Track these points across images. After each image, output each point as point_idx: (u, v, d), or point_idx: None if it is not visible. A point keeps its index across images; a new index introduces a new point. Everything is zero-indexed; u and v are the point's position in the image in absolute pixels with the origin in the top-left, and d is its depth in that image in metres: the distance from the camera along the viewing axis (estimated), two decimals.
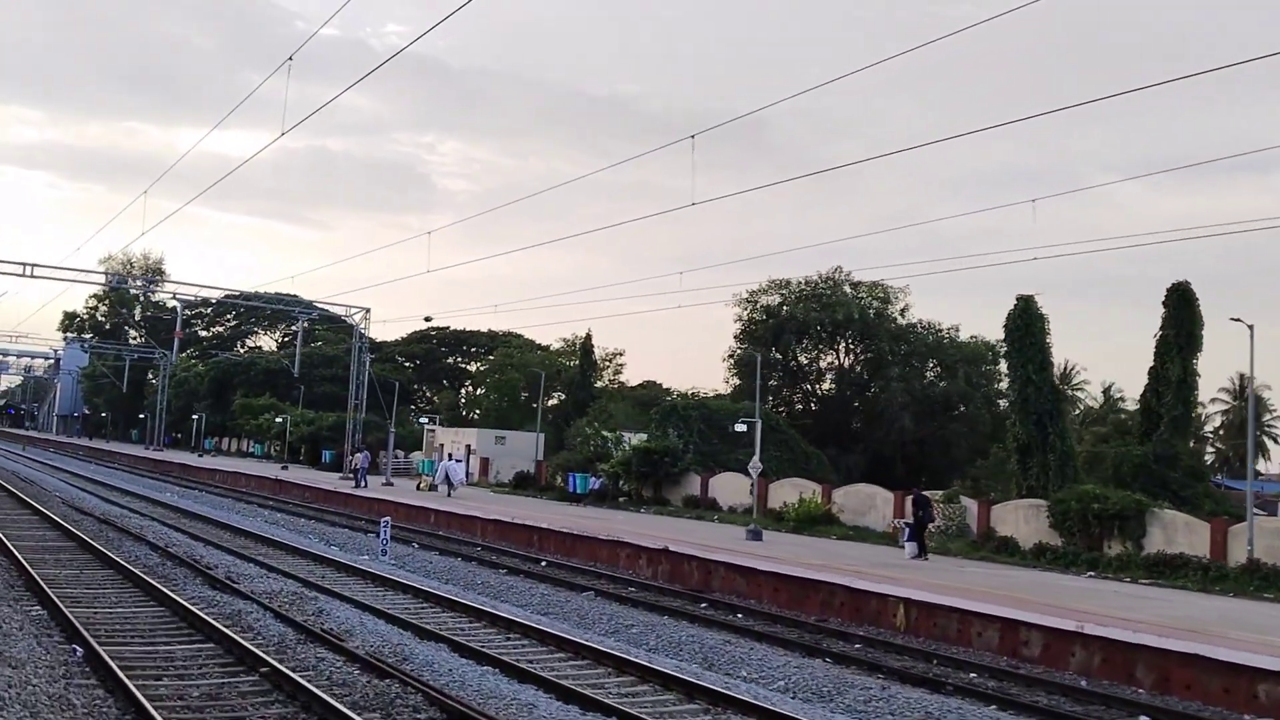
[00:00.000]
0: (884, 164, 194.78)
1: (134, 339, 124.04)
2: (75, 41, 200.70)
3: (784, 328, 50.92)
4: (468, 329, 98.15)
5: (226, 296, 47.08)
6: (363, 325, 51.08)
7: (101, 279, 45.03)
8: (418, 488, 45.50)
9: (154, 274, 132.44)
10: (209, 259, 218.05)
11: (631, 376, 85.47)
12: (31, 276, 44.80)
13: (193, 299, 46.48)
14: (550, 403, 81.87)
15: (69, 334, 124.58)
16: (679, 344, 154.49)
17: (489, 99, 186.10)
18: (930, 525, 27.01)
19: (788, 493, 36.33)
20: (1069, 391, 57.57)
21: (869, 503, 34.02)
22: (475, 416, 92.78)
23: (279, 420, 68.44)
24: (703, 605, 21.23)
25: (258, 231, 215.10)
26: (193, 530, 29.86)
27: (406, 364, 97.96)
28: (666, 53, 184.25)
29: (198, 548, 25.29)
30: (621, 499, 42.12)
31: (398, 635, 15.76)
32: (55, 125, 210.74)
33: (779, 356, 50.57)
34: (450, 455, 47.69)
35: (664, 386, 77.89)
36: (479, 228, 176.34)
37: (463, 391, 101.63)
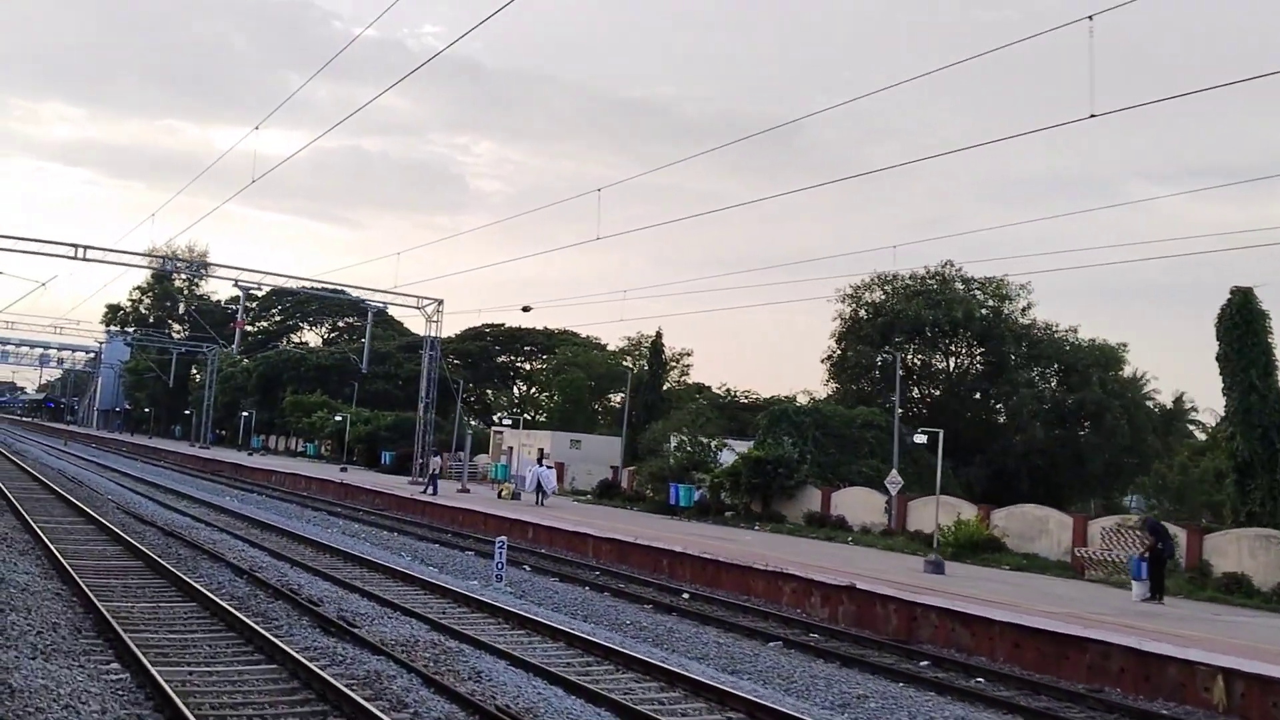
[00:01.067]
0: (921, 169, 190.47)
1: (178, 333, 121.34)
2: (115, 40, 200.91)
3: (894, 326, 46.52)
4: (522, 326, 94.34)
5: (289, 284, 43.14)
6: (434, 318, 47.26)
7: (156, 262, 41.06)
8: (499, 495, 41.55)
9: (201, 265, 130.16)
10: (249, 256, 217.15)
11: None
12: (84, 259, 41.31)
13: (255, 286, 42.58)
14: (609, 404, 77.96)
15: (112, 327, 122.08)
16: (714, 348, 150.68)
17: (524, 100, 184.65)
18: (1168, 560, 22.60)
19: (932, 512, 31.92)
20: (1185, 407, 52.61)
21: (1038, 526, 29.60)
22: (532, 418, 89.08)
23: (337, 419, 64.86)
24: (921, 663, 17.02)
25: (294, 230, 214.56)
26: (272, 546, 25.97)
27: (456, 362, 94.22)
28: (703, 55, 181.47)
29: (286, 570, 21.37)
30: (729, 514, 37.93)
31: (593, 714, 11.73)
32: (95, 123, 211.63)
33: (889, 355, 46.14)
34: (541, 460, 43.70)
35: (727, 390, 73.41)
36: (514, 227, 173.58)
37: (514, 390, 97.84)
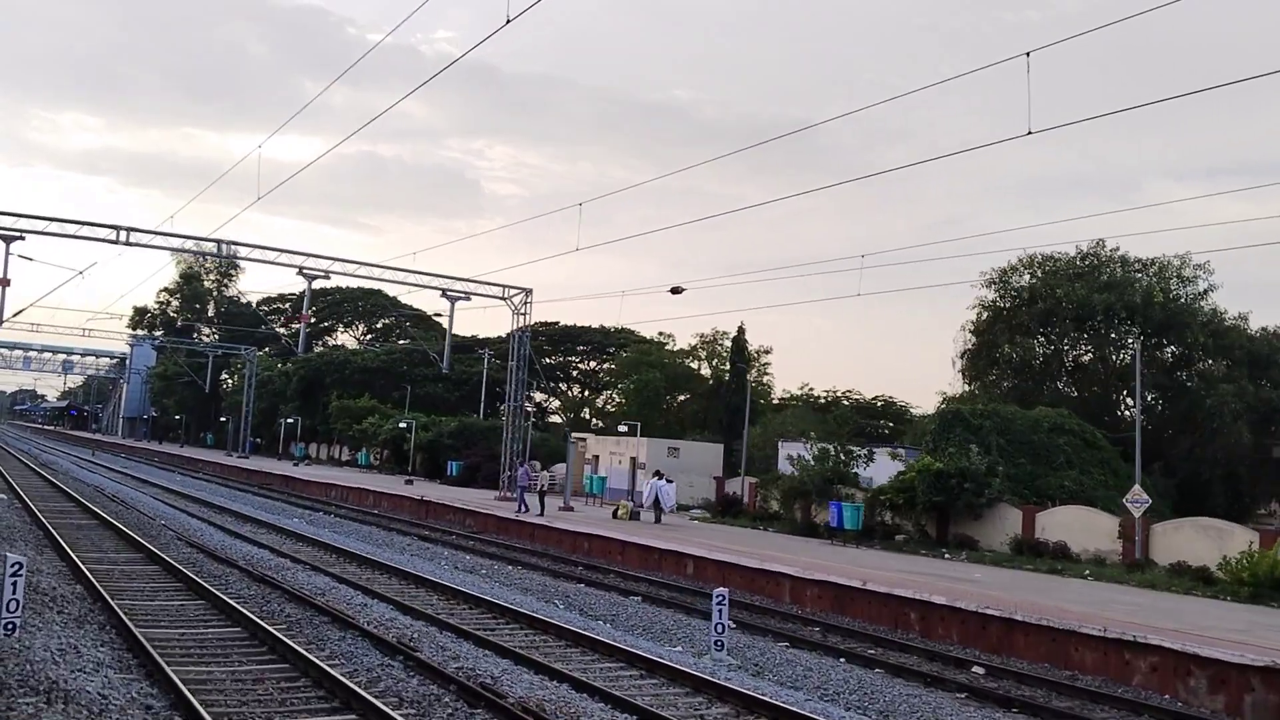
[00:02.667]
0: (935, 170, 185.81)
1: (208, 336, 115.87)
2: (133, 50, 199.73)
3: (1054, 313, 40.21)
4: (577, 325, 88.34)
5: (359, 272, 37.27)
6: (522, 310, 41.22)
7: (208, 246, 35.22)
8: (614, 514, 35.43)
9: (229, 266, 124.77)
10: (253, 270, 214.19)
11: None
12: (126, 244, 35.46)
13: (321, 274, 36.64)
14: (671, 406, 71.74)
15: (139, 330, 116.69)
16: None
17: (540, 105, 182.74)
18: None
19: (1191, 539, 25.65)
20: None
21: None
22: (587, 421, 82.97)
23: (400, 425, 58.88)
24: None
25: (310, 236, 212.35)
26: (394, 594, 19.93)
27: (498, 361, 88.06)
28: (721, 59, 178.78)
29: (446, 642, 15.32)
30: (899, 538, 31.71)
31: None
32: (114, 131, 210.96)
33: (1049, 348, 40.08)
34: (659, 473, 37.61)
35: (830, 391, 66.92)
36: (526, 230, 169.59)
37: (569, 392, 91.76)
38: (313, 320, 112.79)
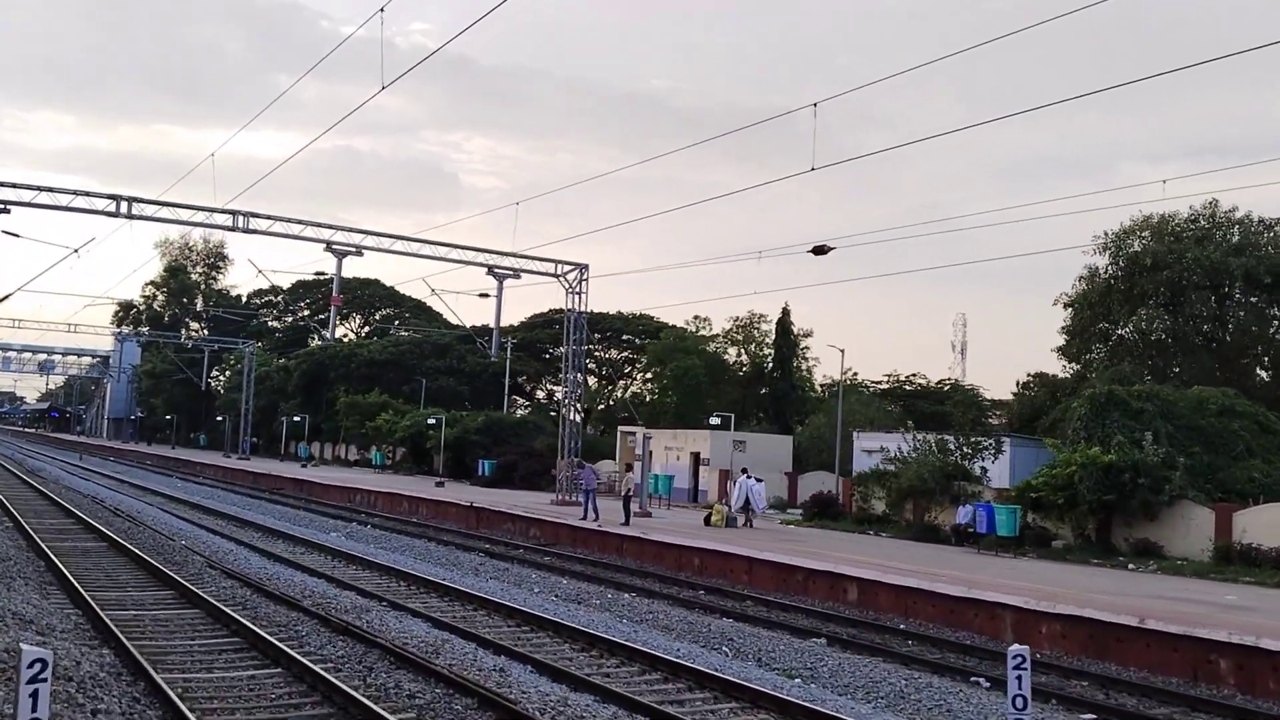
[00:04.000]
0: (915, 155, 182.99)
1: (196, 332, 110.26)
2: (104, 46, 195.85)
3: (1183, 281, 35.53)
4: (596, 311, 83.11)
5: (397, 242, 32.16)
6: (577, 288, 36.25)
7: (220, 219, 29.98)
8: (707, 520, 30.55)
9: (217, 258, 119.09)
10: (242, 259, 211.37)
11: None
12: (128, 216, 30.31)
13: (353, 249, 31.54)
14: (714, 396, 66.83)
15: (124, 327, 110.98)
16: None
17: (517, 96, 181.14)
18: None
19: None
20: None
21: None
22: (606, 410, 78.15)
23: (430, 422, 53.69)
24: None
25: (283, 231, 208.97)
26: (527, 648, 15.02)
27: (518, 352, 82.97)
28: (697, 47, 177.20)
29: (588, 704, 10.47)
30: (1057, 543, 26.94)
31: None
32: (87, 129, 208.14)
33: (1176, 320, 35.44)
34: (745, 471, 32.74)
35: (889, 377, 61.93)
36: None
37: (588, 381, 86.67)
38: (293, 320, 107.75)
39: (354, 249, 33.17)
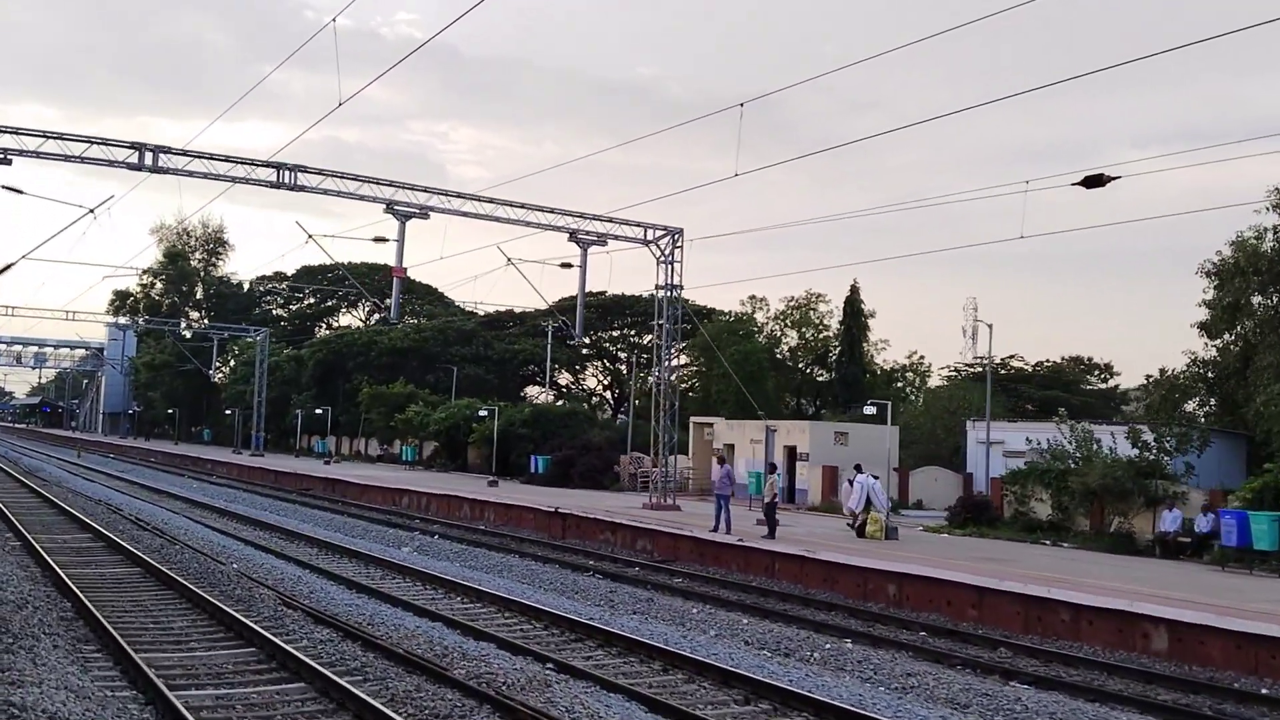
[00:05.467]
0: (898, 142, 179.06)
1: (196, 321, 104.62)
2: (88, 38, 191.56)
3: None
4: (625, 294, 77.96)
5: (468, 202, 26.93)
6: (670, 256, 31.13)
7: (262, 173, 24.68)
8: (857, 530, 25.45)
9: (216, 244, 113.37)
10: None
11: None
12: (153, 169, 25.06)
13: (416, 210, 26.25)
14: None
15: (120, 316, 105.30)
16: None
17: (502, 86, 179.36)
18: None
19: None
20: None
21: None
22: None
23: (481, 414, 48.36)
24: None
25: (273, 225, 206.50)
26: None
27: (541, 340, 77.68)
28: (684, 35, 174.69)
29: None
30: None
31: None
32: (71, 122, 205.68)
33: None
34: (860, 468, 27.72)
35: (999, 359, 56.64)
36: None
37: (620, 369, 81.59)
38: (297, 307, 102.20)
39: (418, 210, 27.95)
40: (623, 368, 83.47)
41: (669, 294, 31.16)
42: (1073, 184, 17.37)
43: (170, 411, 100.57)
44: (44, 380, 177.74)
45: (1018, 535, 27.21)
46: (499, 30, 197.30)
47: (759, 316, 59.34)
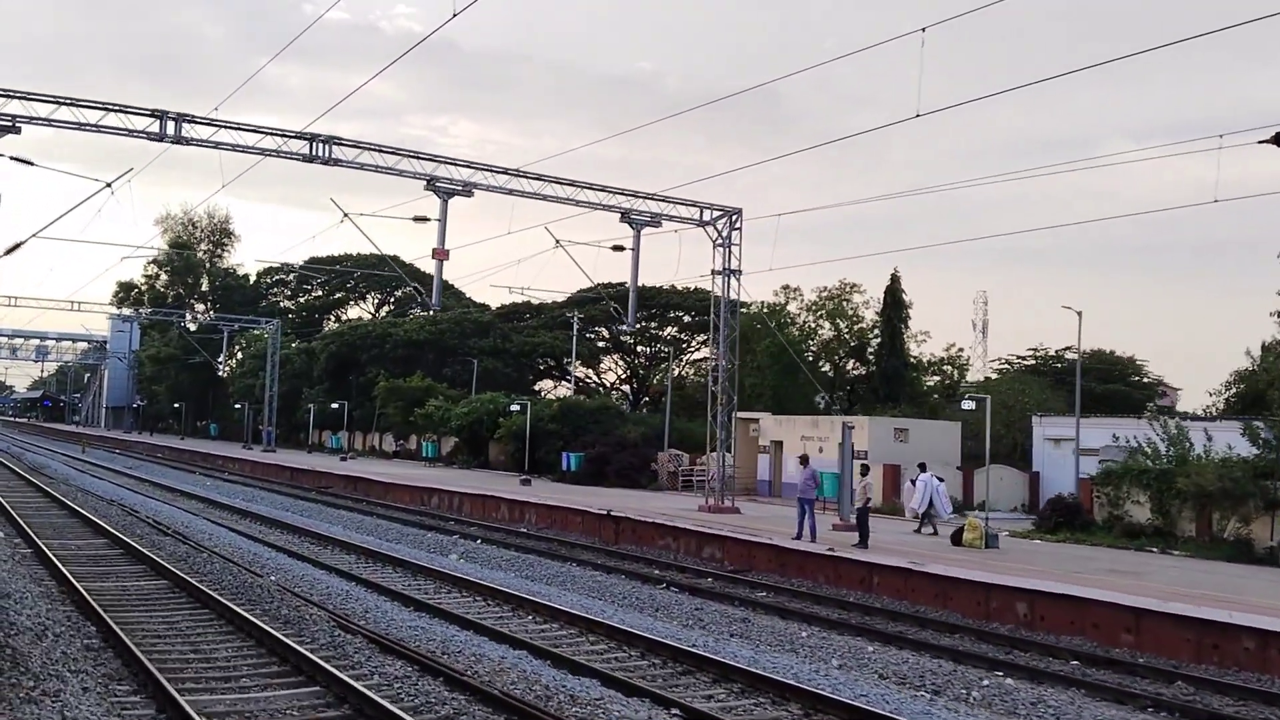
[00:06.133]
0: (901, 135, 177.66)
1: (201, 314, 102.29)
2: (86, 32, 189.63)
3: None
4: (648, 285, 75.54)
5: (513, 179, 24.53)
6: (727, 238, 28.84)
7: (295, 146, 22.33)
8: (956, 539, 23.13)
9: (222, 235, 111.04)
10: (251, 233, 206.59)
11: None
12: (176, 139, 22.79)
13: (461, 188, 23.92)
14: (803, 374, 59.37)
15: (124, 308, 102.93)
16: None
17: (501, 80, 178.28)
18: None
19: None
20: None
21: None
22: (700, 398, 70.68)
23: (514, 409, 46.05)
24: None
25: (272, 219, 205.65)
26: None
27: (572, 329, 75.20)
28: (684, 29, 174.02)
29: None
30: None
31: None
32: (68, 115, 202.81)
33: None
34: (924, 467, 25.42)
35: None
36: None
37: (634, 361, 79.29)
38: (304, 300, 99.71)
39: (461, 187, 25.65)
40: (638, 359, 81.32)
41: (726, 279, 28.84)
42: (1260, 141, 15.02)
43: (176, 406, 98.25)
44: (45, 374, 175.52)
45: (1117, 542, 24.96)
46: (498, 24, 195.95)
47: (792, 307, 56.93)
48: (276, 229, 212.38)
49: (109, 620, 14.31)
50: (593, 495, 34.84)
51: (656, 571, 22.78)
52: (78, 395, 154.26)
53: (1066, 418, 35.48)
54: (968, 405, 26.99)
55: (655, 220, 28.39)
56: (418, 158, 25.34)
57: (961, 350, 60.07)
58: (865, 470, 23.85)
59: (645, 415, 54.37)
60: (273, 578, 19.12)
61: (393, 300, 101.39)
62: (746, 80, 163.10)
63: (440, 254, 25.36)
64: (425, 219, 25.87)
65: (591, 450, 42.89)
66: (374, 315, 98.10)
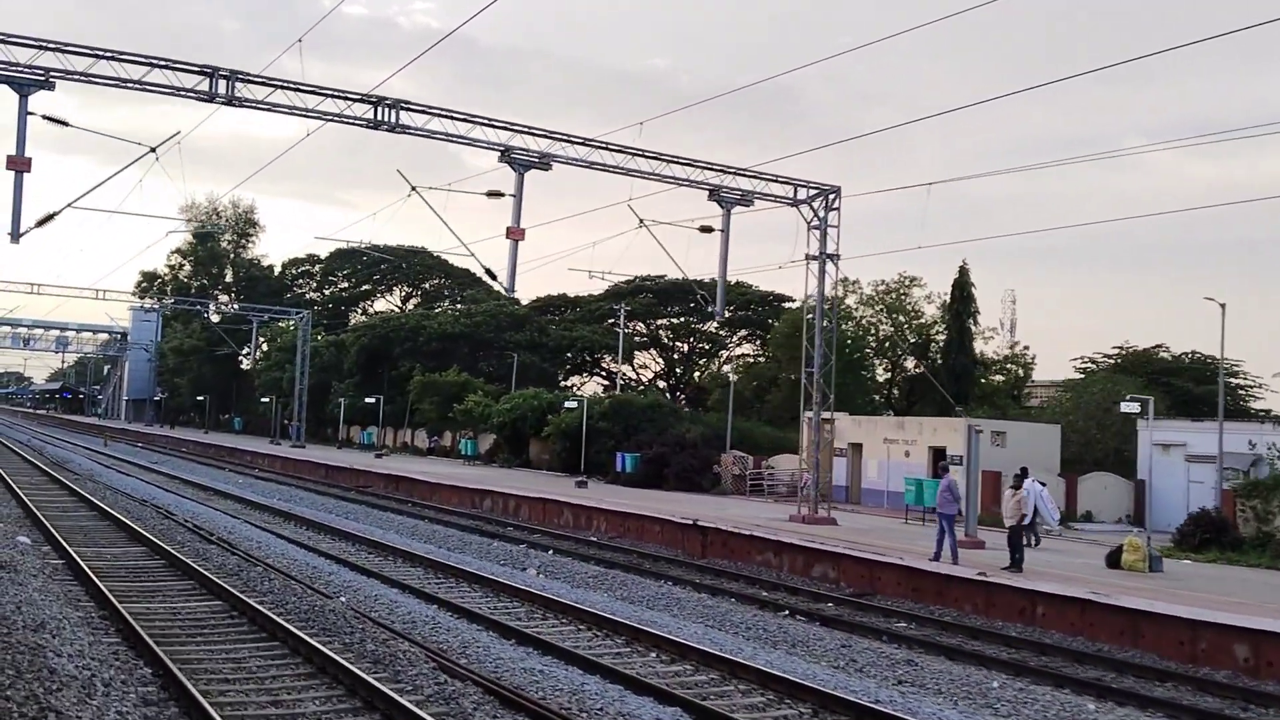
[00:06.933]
0: (918, 132, 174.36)
1: (224, 304, 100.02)
2: (101, 28, 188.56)
3: None
4: (686, 277, 72.79)
5: (595, 150, 21.77)
6: (823, 219, 26.11)
7: (358, 109, 19.70)
8: (1115, 560, 20.30)
9: (246, 225, 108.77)
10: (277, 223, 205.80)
11: None
12: (228, 100, 20.21)
13: (537, 160, 21.23)
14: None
15: (147, 298, 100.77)
16: None
17: (518, 76, 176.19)
18: None
19: None
20: None
21: None
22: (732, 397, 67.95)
23: (570, 406, 43.35)
24: None
25: (292, 213, 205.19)
26: None
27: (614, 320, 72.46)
28: (698, 26, 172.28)
29: None
30: None
31: None
32: (87, 111, 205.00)
33: None
34: (1026, 472, 22.55)
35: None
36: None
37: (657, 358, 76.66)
38: (331, 291, 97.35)
39: (538, 159, 23.01)
40: (676, 355, 78.61)
41: (822, 264, 26.11)
42: None
43: (200, 399, 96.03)
44: (65, 364, 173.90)
45: (1276, 563, 22.13)
46: (515, 20, 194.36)
47: (850, 300, 54.15)
48: (297, 226, 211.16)
49: (165, 660, 11.75)
50: (656, 500, 32.15)
51: (764, 593, 20.14)
52: (97, 387, 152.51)
53: (1175, 422, 32.67)
54: (1130, 407, 24.08)
55: (746, 198, 25.65)
56: (491, 125, 22.71)
57: (1026, 348, 57.37)
58: (1020, 478, 21.02)
59: (698, 414, 51.61)
60: (342, 598, 16.54)
61: (420, 292, 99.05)
62: (760, 76, 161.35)
63: (515, 233, 22.71)
64: (499, 194, 23.23)
65: (648, 450, 40.23)
66: (401, 308, 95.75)
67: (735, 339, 75.05)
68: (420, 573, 20.53)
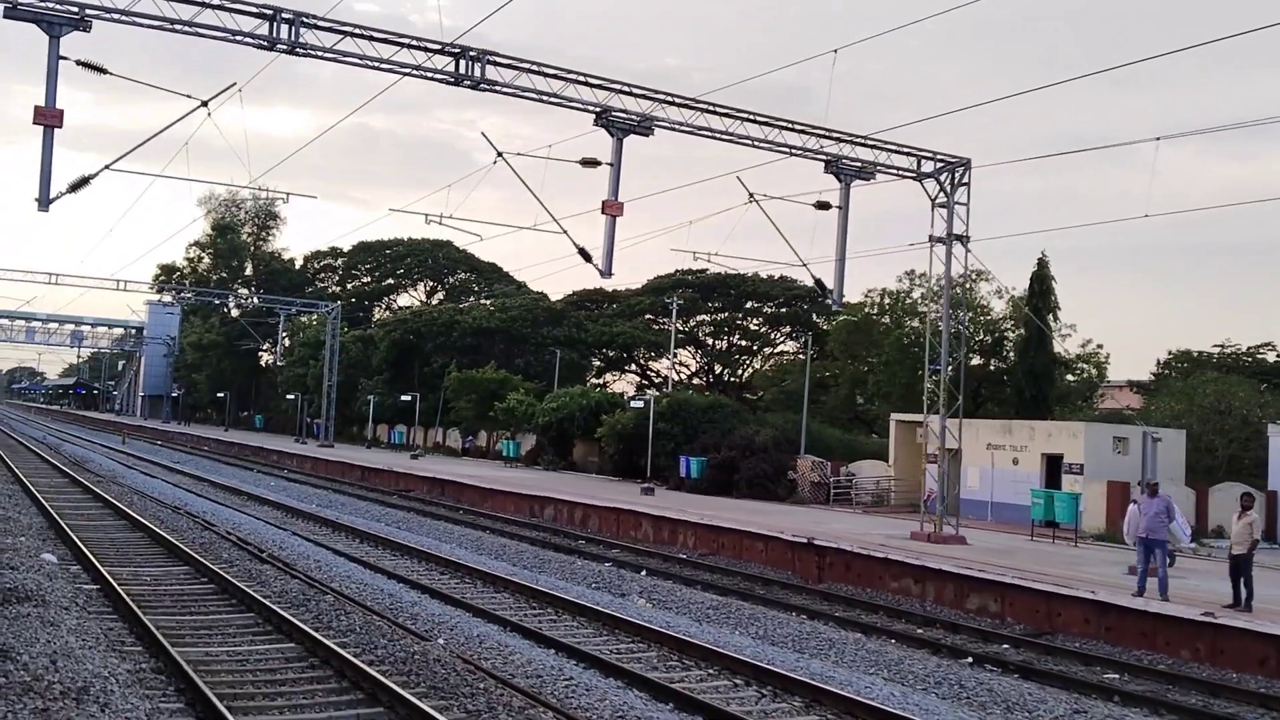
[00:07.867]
0: (929, 131, 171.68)
1: (245, 299, 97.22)
2: (115, 24, 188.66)
3: None
4: (726, 271, 69.67)
5: (698, 114, 18.66)
6: (950, 194, 23.06)
7: (439, 62, 16.71)
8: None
9: (267, 217, 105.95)
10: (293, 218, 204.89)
11: None
12: (290, 48, 17.31)
13: (637, 122, 18.34)
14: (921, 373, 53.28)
15: (166, 291, 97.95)
16: None
17: (530, 74, 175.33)
18: None
19: None
20: None
21: None
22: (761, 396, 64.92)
23: (636, 405, 40.29)
24: None
25: (305, 210, 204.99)
26: None
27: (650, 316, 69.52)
28: (710, 24, 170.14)
29: None
30: None
31: None
32: (102, 106, 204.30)
33: None
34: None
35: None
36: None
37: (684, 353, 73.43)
38: (353, 285, 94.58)
39: (638, 122, 20.00)
40: (715, 352, 75.49)
41: (949, 247, 23.03)
42: None
43: (220, 395, 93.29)
44: (80, 359, 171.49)
45: None
46: (523, 18, 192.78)
47: (916, 294, 50.92)
48: (316, 218, 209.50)
49: None
50: (731, 510, 29.08)
51: (918, 630, 17.10)
52: (111, 383, 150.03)
53: None
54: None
55: (866, 170, 22.58)
56: (587, 83, 19.70)
57: (1100, 346, 54.01)
58: (1251, 499, 17.87)
59: (757, 415, 48.54)
60: (440, 639, 13.56)
61: (445, 287, 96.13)
62: (772, 75, 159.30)
63: (613, 208, 19.71)
64: (596, 162, 20.22)
65: (714, 454, 37.18)
66: (425, 302, 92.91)
67: (779, 335, 71.96)
68: (511, 600, 17.53)
